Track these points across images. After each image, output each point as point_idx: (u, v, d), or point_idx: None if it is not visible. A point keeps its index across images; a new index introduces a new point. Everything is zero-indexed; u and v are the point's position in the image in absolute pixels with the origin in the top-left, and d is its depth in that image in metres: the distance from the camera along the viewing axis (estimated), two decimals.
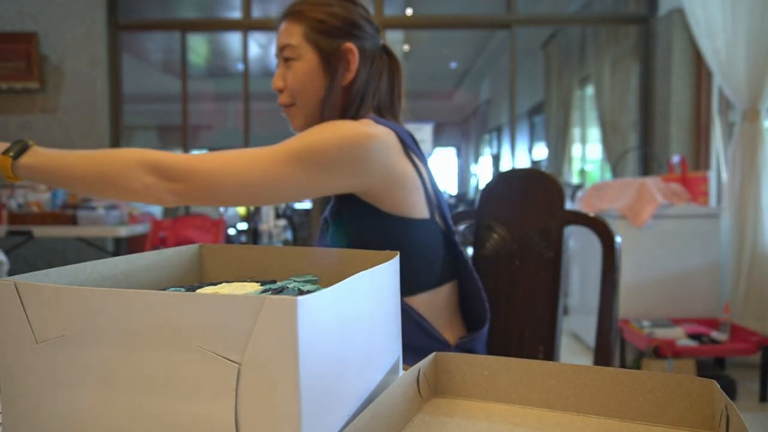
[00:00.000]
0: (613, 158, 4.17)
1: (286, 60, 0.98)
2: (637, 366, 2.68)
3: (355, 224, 0.97)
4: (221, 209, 5.69)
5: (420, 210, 0.97)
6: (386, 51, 1.06)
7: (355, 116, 0.99)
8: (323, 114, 0.99)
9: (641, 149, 3.97)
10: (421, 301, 0.98)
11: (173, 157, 0.85)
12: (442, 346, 0.98)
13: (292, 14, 0.98)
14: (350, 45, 0.97)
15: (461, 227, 1.38)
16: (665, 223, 2.93)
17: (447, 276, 1.02)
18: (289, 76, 0.99)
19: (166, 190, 0.84)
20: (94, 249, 3.61)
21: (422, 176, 0.99)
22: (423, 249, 0.98)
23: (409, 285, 0.98)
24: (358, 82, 0.99)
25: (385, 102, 1.04)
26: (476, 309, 1.05)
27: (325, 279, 0.56)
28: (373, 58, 1.01)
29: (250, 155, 0.87)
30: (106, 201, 3.11)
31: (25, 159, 0.82)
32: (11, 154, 0.82)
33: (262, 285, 0.50)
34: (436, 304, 1.00)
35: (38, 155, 0.83)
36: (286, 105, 1.01)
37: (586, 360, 3.04)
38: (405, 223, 0.96)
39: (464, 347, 1.01)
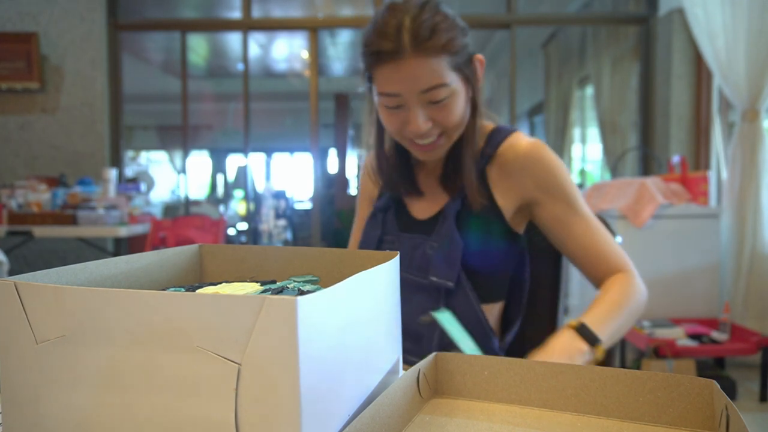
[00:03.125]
0: (613, 158, 4.17)
1: (436, 101, 0.88)
2: (637, 366, 2.68)
3: (474, 229, 0.96)
4: (221, 209, 5.69)
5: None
6: None
7: (480, 114, 0.97)
8: (467, 129, 0.96)
9: (641, 149, 3.97)
10: (488, 310, 0.99)
11: (626, 265, 0.98)
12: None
13: (426, 50, 0.85)
14: (479, 56, 0.94)
15: None
16: (665, 223, 2.93)
17: (507, 290, 1.04)
18: (442, 115, 0.89)
19: (643, 286, 0.98)
20: (94, 249, 3.61)
21: None
22: (510, 261, 1.01)
23: (490, 293, 0.99)
24: (480, 83, 0.96)
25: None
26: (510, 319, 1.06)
27: (325, 279, 0.56)
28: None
29: (601, 224, 0.98)
30: (107, 201, 3.11)
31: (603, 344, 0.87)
32: (600, 345, 0.85)
33: (262, 285, 0.50)
34: (495, 314, 1.02)
35: (595, 331, 0.87)
36: (432, 143, 0.93)
37: None
38: (513, 236, 0.99)
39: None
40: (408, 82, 0.86)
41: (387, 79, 0.88)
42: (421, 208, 1.03)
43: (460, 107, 0.91)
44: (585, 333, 0.84)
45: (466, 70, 0.91)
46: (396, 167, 1.04)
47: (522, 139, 0.98)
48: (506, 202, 0.97)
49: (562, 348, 0.81)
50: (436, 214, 1.00)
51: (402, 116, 0.90)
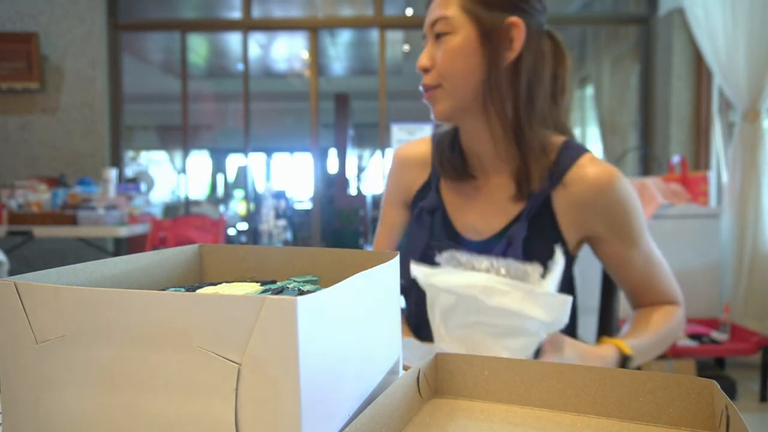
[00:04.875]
0: (613, 158, 4.17)
1: (438, 36, 0.86)
2: (637, 366, 2.68)
3: (536, 257, 0.89)
4: (221, 209, 5.69)
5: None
6: (550, 36, 0.92)
7: (531, 107, 0.88)
8: (485, 99, 0.87)
9: (641, 149, 3.97)
10: None
11: (676, 298, 0.96)
12: None
13: None
14: (515, 19, 0.85)
15: None
16: (665, 223, 2.93)
17: None
18: (439, 53, 0.86)
19: (684, 318, 0.97)
20: (94, 249, 3.61)
21: None
22: (564, 284, 0.97)
23: None
24: (525, 64, 0.86)
25: (547, 95, 0.92)
26: None
27: (325, 279, 0.56)
28: (539, 39, 0.88)
29: (661, 257, 0.95)
30: (107, 201, 3.11)
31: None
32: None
33: (262, 285, 0.50)
34: None
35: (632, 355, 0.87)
36: (430, 87, 0.89)
37: None
38: (572, 261, 0.95)
39: None
40: (428, 15, 0.88)
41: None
42: (469, 226, 0.94)
43: (458, 49, 0.85)
44: (624, 365, 0.84)
45: (485, 18, 0.84)
46: (447, 146, 0.97)
47: (593, 167, 0.89)
48: (571, 234, 0.91)
49: (600, 361, 0.82)
50: (492, 236, 0.92)
51: None
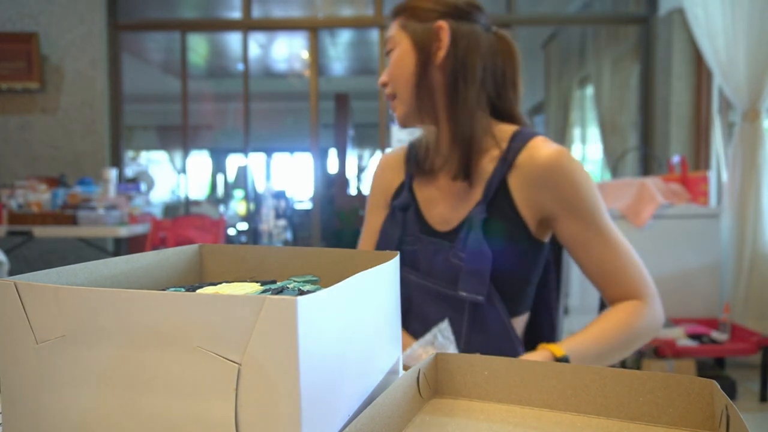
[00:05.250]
0: (613, 158, 4.17)
1: (388, 54, 0.99)
2: (637, 366, 2.68)
3: (500, 239, 0.94)
4: (221, 209, 5.69)
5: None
6: (498, 36, 1.00)
7: (456, 97, 0.95)
8: (419, 96, 0.96)
9: (641, 149, 3.97)
10: (516, 323, 0.97)
11: (643, 290, 0.93)
12: None
13: (394, 13, 1.00)
14: (441, 22, 0.94)
15: None
16: (665, 223, 2.93)
17: (532, 301, 1.02)
18: (389, 68, 0.99)
19: (658, 314, 0.94)
20: (94, 249, 3.61)
21: None
22: (538, 271, 0.99)
23: (517, 305, 0.97)
24: (452, 59, 0.94)
25: (493, 88, 0.98)
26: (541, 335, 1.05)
27: (325, 279, 0.56)
28: (472, 37, 0.95)
29: (625, 243, 0.94)
30: (107, 201, 3.11)
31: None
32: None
33: (262, 285, 0.50)
34: (520, 326, 1.00)
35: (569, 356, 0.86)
36: (390, 98, 1.01)
37: None
38: (540, 246, 0.97)
39: None
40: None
41: None
42: (439, 217, 1.00)
43: (398, 58, 0.97)
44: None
45: (417, 29, 0.96)
46: (417, 147, 1.07)
47: (542, 148, 0.93)
48: (529, 214, 0.94)
49: None
50: (458, 225, 0.97)
51: None
